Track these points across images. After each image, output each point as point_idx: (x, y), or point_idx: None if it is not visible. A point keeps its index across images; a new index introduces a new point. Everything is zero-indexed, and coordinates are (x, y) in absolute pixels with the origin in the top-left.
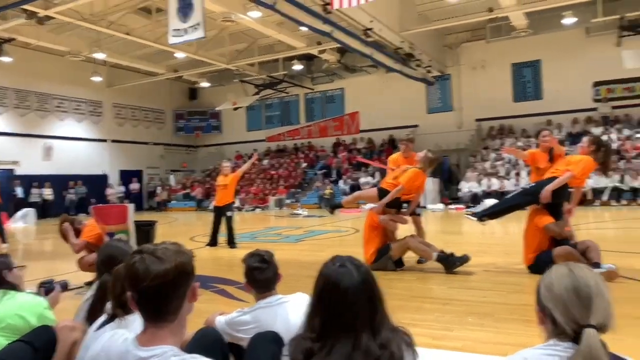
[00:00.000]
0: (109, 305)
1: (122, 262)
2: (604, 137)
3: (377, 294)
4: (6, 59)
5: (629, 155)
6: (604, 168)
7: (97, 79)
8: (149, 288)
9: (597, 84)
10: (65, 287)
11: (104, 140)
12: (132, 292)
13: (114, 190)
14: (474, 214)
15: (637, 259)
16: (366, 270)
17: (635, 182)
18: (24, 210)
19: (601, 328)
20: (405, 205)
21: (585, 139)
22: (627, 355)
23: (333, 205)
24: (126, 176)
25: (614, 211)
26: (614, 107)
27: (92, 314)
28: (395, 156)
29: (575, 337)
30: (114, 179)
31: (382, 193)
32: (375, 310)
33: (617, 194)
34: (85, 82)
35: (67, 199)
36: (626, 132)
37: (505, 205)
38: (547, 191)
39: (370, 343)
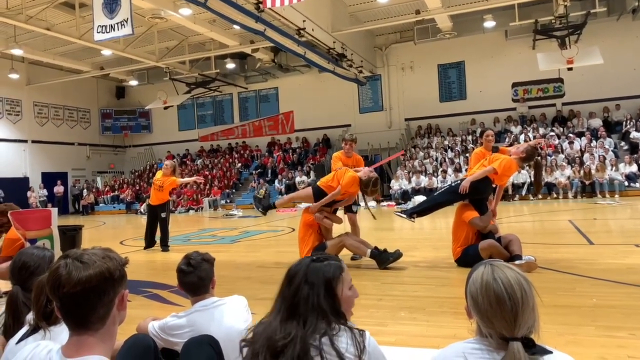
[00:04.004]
0: (30, 316)
1: (36, 271)
2: (522, 137)
3: (318, 292)
4: None
5: (544, 152)
6: (536, 184)
7: (14, 76)
8: (71, 295)
9: (515, 84)
10: None
11: (24, 141)
12: (54, 298)
13: (36, 193)
14: (403, 212)
15: (552, 249)
16: (318, 267)
17: (550, 178)
18: None
19: (526, 335)
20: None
21: (523, 145)
22: (548, 345)
23: (266, 207)
24: (49, 179)
25: (531, 205)
26: (531, 107)
27: (6, 330)
28: (338, 154)
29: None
30: (35, 181)
31: (318, 192)
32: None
33: (534, 189)
34: (2, 79)
35: None
36: (541, 130)
37: (433, 203)
38: (466, 181)
39: (309, 337)
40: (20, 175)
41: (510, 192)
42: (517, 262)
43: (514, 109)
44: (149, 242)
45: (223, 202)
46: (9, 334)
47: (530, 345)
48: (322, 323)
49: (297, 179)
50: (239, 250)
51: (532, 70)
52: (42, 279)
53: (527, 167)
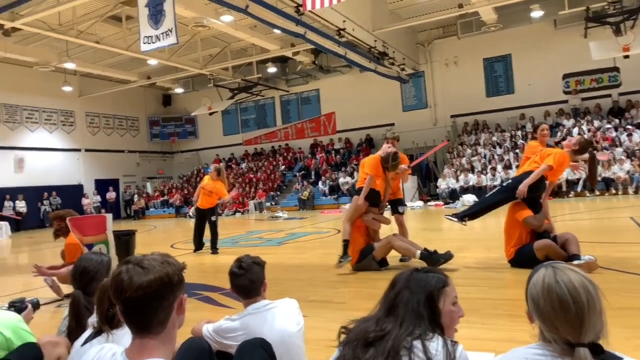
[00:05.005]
0: (92, 319)
1: (96, 276)
2: (575, 130)
3: (415, 299)
4: None
5: (600, 146)
6: (591, 178)
7: (67, 88)
8: (133, 299)
9: (566, 76)
10: (36, 305)
11: (78, 150)
12: (117, 303)
13: (90, 200)
14: (454, 215)
15: (613, 248)
16: (421, 277)
17: (608, 173)
18: None
19: (594, 340)
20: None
21: (576, 137)
22: (616, 351)
23: (344, 253)
24: (102, 185)
25: (588, 202)
26: (584, 99)
27: (70, 332)
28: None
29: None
30: (89, 188)
31: (360, 191)
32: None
33: (589, 184)
34: (56, 92)
35: (42, 211)
36: (596, 123)
37: (485, 204)
38: (524, 185)
39: (402, 338)
40: (75, 182)
41: (564, 188)
42: (575, 262)
43: (566, 101)
44: (198, 245)
45: (268, 204)
46: (72, 336)
47: (598, 352)
48: (418, 328)
49: (341, 180)
50: (286, 252)
51: (585, 60)
52: (104, 283)
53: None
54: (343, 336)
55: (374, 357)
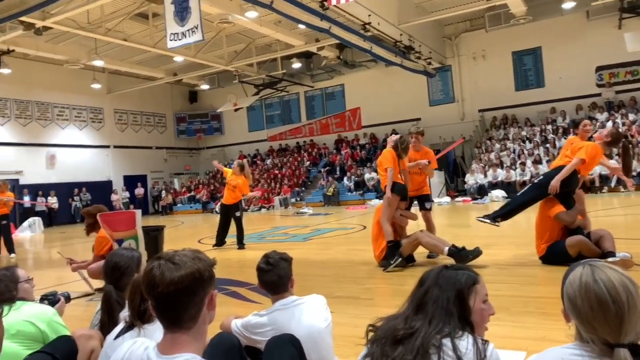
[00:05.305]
0: (124, 313)
1: (126, 271)
2: (609, 124)
3: (453, 297)
4: (5, 71)
5: (635, 140)
6: (625, 170)
7: (96, 86)
8: (165, 294)
9: (600, 68)
10: (68, 298)
11: (107, 146)
12: (150, 298)
13: (119, 196)
14: (486, 216)
15: None
16: (450, 274)
17: None
18: (31, 219)
19: (634, 341)
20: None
21: (608, 129)
22: None
23: (391, 255)
24: (130, 181)
25: (622, 197)
26: (618, 92)
27: (102, 326)
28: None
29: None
30: (118, 184)
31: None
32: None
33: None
34: (85, 90)
35: (72, 207)
36: (631, 116)
37: (517, 203)
38: (556, 181)
39: (431, 336)
40: (104, 178)
41: (597, 183)
42: (610, 259)
43: (599, 94)
44: (220, 241)
45: (293, 200)
46: (105, 330)
47: (639, 353)
48: (447, 326)
49: (366, 176)
50: (312, 248)
51: (619, 51)
52: (136, 279)
53: (617, 157)
54: (371, 334)
55: (402, 355)
